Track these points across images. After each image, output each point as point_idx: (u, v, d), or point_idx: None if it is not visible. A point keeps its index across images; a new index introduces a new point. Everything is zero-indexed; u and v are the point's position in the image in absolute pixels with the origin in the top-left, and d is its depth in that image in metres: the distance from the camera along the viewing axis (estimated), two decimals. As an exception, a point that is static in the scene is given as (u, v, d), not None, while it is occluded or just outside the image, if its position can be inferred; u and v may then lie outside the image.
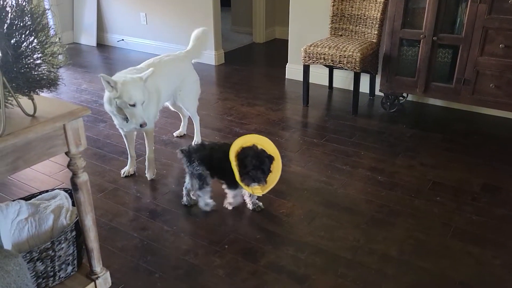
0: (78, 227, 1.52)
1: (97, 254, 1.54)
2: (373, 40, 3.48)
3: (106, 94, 2.27)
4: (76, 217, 1.50)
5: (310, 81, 3.70)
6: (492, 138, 3.07)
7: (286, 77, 4.36)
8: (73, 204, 1.54)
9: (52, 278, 1.49)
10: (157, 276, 1.89)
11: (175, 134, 3.18)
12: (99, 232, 2.12)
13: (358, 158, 2.84)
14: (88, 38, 5.68)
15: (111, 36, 5.63)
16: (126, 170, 2.67)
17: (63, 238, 1.47)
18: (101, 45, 5.67)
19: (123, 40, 5.52)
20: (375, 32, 3.47)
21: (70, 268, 1.54)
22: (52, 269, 1.47)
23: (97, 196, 2.44)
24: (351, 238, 2.10)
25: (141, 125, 2.25)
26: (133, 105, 2.21)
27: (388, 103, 3.49)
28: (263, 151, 2.14)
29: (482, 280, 1.83)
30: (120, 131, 2.57)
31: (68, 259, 1.52)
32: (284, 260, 1.97)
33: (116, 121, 2.45)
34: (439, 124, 3.31)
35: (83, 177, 1.40)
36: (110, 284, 1.64)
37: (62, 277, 1.52)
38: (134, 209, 2.35)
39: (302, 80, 3.64)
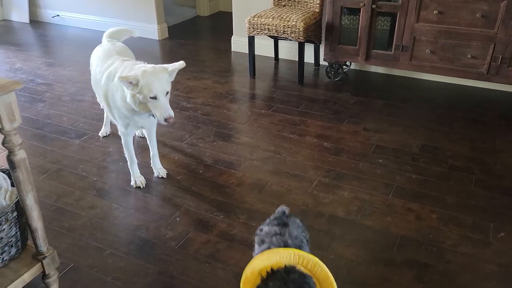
0: (20, 207, 1.46)
1: (42, 233, 1.49)
2: (316, 10, 3.52)
3: (127, 94, 1.95)
4: (16, 197, 1.44)
5: (256, 53, 3.70)
6: (429, 102, 3.23)
7: (232, 50, 4.33)
8: (12, 185, 1.48)
9: (-6, 261, 1.44)
10: (108, 253, 1.86)
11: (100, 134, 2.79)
12: (44, 214, 2.05)
13: (305, 126, 2.90)
14: (20, 15, 5.33)
15: (45, 12, 5.31)
16: (138, 182, 2.31)
17: (3, 220, 1.40)
18: (35, 22, 5.34)
19: (58, 15, 5.22)
20: (317, 1, 3.50)
21: (14, 250, 1.48)
22: (-6, 252, 1.41)
23: (40, 178, 2.35)
24: (300, 202, 2.17)
25: (166, 120, 1.91)
26: (154, 98, 1.89)
27: (333, 72, 3.57)
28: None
29: (421, 233, 1.95)
30: (124, 138, 2.23)
31: (11, 241, 1.46)
32: (236, 228, 2.00)
33: (123, 123, 2.14)
34: (381, 91, 3.43)
35: (20, 154, 1.34)
36: (58, 264, 1.60)
37: (6, 259, 1.47)
38: (80, 188, 2.28)
39: (248, 52, 3.63)
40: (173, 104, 3.20)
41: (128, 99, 1.95)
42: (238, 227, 2.01)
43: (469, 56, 2.98)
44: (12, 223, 1.46)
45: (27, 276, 1.48)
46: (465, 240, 1.90)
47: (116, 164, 2.49)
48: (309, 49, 3.80)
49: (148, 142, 2.37)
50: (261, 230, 1.52)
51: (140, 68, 1.95)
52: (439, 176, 2.36)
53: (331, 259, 1.81)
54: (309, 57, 3.85)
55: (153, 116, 1.99)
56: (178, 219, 2.07)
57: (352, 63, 3.79)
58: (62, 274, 1.72)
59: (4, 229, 1.42)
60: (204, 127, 2.91)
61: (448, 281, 1.70)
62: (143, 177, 2.34)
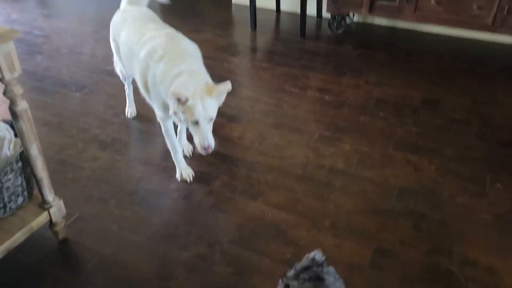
0: (24, 158, 1.48)
1: (47, 183, 1.52)
2: (319, -42, 3.40)
3: (171, 105, 1.68)
4: (21, 148, 1.46)
5: (257, 5, 3.62)
6: (431, 55, 3.19)
7: (232, 2, 4.22)
8: (16, 136, 1.49)
9: (2, 210, 1.47)
10: (112, 204, 1.90)
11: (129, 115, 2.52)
12: (47, 165, 2.06)
13: (307, 79, 2.88)
14: (12, -36, 5.14)
15: (39, -39, 5.12)
16: (185, 174, 2.04)
17: (9, 169, 1.43)
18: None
19: (52, -35, 5.04)
20: (321, -50, 3.37)
21: (20, 199, 1.52)
22: (1, 200, 1.45)
23: (42, 130, 2.36)
24: (301, 155, 2.19)
25: (204, 149, 1.69)
26: (196, 123, 1.67)
27: (335, 24, 3.49)
28: None
29: (420, 184, 1.99)
30: (163, 124, 1.97)
31: (18, 190, 1.49)
32: (237, 180, 2.03)
33: (161, 108, 1.86)
34: (383, 44, 3.37)
35: (22, 105, 1.34)
36: (65, 213, 1.64)
37: (13, 208, 1.51)
38: (82, 140, 2.30)
39: (249, 4, 3.54)
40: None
41: (171, 111, 1.70)
42: (240, 179, 2.04)
43: (475, 7, 2.91)
44: (17, 173, 1.48)
45: (35, 224, 1.52)
46: (462, 191, 1.94)
47: (117, 117, 2.50)
48: (311, 1, 3.70)
49: (179, 129, 2.18)
50: (287, 286, 1.23)
51: (194, 82, 1.66)
52: (439, 128, 2.37)
53: (331, 210, 1.86)
54: (311, 9, 3.76)
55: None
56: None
57: (355, 16, 3.70)
58: (68, 224, 1.77)
59: (10, 178, 1.45)
60: (204, 80, 2.88)
61: (444, 230, 1.75)
62: (190, 168, 2.05)
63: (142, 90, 1.95)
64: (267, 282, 1.54)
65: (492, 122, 2.42)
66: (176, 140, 2.02)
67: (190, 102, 1.61)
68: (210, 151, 1.69)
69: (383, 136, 2.32)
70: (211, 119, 1.70)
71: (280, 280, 1.22)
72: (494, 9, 2.87)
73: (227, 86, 1.69)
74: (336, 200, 1.91)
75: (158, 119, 1.97)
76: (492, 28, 2.95)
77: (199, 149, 1.69)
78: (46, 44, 3.36)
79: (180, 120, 1.70)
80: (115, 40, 2.19)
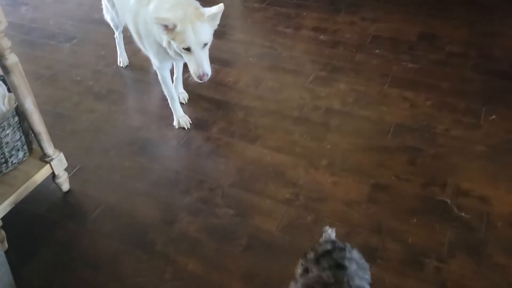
0: (20, 112, 1.48)
1: (46, 136, 1.53)
2: None
3: (163, 38, 1.64)
4: (15, 102, 1.46)
5: None
6: (429, -13, 3.08)
7: None
8: (9, 91, 1.48)
9: (4, 165, 1.50)
10: (112, 153, 1.93)
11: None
12: (44, 119, 2.07)
13: (301, 19, 2.81)
14: None
15: None
16: (182, 122, 2.03)
17: (6, 124, 1.44)
18: None
19: None
20: None
21: (21, 153, 1.54)
22: (2, 155, 1.47)
23: (35, 84, 2.34)
24: (297, 97, 2.18)
25: (199, 78, 1.64)
26: (188, 49, 1.60)
27: (328, -41, 3.35)
28: None
29: (415, 120, 2.00)
30: (160, 72, 1.93)
31: (17, 145, 1.51)
32: (234, 125, 2.05)
33: (157, 56, 1.84)
34: (379, -23, 3.25)
35: (12, 58, 1.32)
36: (66, 165, 1.67)
37: (15, 162, 1.53)
38: (77, 93, 2.29)
39: None
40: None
41: (164, 43, 1.65)
42: (237, 124, 2.05)
43: None
44: (15, 127, 1.49)
45: (38, 177, 1.55)
46: (457, 124, 1.96)
47: (110, 67, 2.47)
48: None
49: (176, 75, 2.15)
50: (306, 269, 1.12)
51: (181, 8, 1.59)
52: (436, 63, 2.35)
53: (327, 149, 1.88)
54: None
55: None
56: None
57: None
58: (72, 175, 1.80)
59: (8, 134, 1.46)
60: (196, 25, 2.82)
61: (439, 162, 1.79)
62: (187, 117, 2.03)
63: (136, 39, 1.91)
64: (268, 221, 1.60)
65: (491, 53, 2.39)
66: (172, 88, 2.01)
67: (179, 28, 1.55)
68: (206, 78, 1.64)
69: (379, 73, 2.30)
70: (204, 44, 1.62)
71: (300, 262, 1.15)
72: None
73: (219, 7, 1.62)
74: (333, 140, 1.93)
75: (155, 67, 1.94)
76: (491, -45, 2.84)
77: (195, 78, 1.65)
78: (30, -5, 3.25)
79: (175, 51, 1.64)
80: None
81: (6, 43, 1.29)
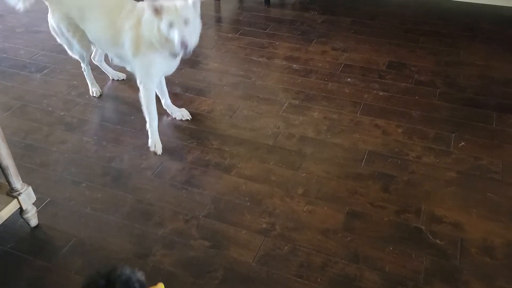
0: (-13, 146, 1.44)
1: (13, 170, 1.48)
2: None
3: (148, 22, 1.83)
4: (-18, 136, 1.41)
5: (218, -28, 3.53)
6: (395, 18, 3.21)
7: (193, -30, 4.09)
8: (-24, 124, 1.44)
9: (-31, 201, 1.44)
10: (84, 186, 1.88)
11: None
12: (13, 151, 2.01)
13: (274, 49, 2.86)
14: None
15: None
16: (157, 147, 2.07)
17: (-29, 159, 1.39)
18: None
19: None
20: None
21: (-13, 188, 1.49)
22: (-34, 191, 1.41)
23: (4, 115, 2.28)
24: (271, 125, 2.20)
25: (182, 46, 1.73)
26: (171, 26, 1.74)
27: (299, -10, 3.45)
28: None
29: (388, 147, 2.04)
30: (150, 91, 2.02)
31: (-17, 180, 1.46)
32: (209, 154, 2.04)
33: (153, 72, 1.99)
34: (348, 8, 3.37)
35: (-21, 92, 1.29)
36: (35, 199, 1.62)
37: (-20, 198, 1.47)
38: (48, 123, 2.24)
39: (210, -29, 3.45)
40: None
41: (154, 37, 1.82)
42: (212, 153, 2.04)
43: (436, -33, 2.92)
44: (-19, 162, 1.44)
45: (4, 213, 1.49)
46: (428, 151, 2.00)
47: (82, 97, 2.43)
48: (274, -34, 3.64)
49: (161, 89, 2.21)
50: None
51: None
52: (405, 91, 2.42)
53: (303, 177, 1.89)
54: (274, -25, 3.70)
55: (174, 56, 1.92)
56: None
57: (319, -21, 3.66)
58: (41, 209, 1.74)
59: (-26, 168, 1.40)
60: (170, 55, 2.83)
61: (412, 189, 1.81)
62: (160, 143, 2.06)
63: (130, 56, 1.98)
64: (244, 252, 1.58)
65: (456, 82, 2.48)
66: (155, 108, 2.05)
67: (164, 6, 1.74)
68: (188, 49, 1.76)
69: (351, 101, 2.35)
70: (186, 20, 1.75)
71: None
72: (455, -31, 2.89)
73: None
74: (308, 168, 1.94)
75: (144, 88, 2.01)
76: (453, -12, 2.98)
77: (178, 48, 1.75)
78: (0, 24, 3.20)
79: (162, 38, 1.80)
80: (70, 20, 2.11)
81: (-27, 76, 1.26)
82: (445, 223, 1.66)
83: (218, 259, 1.56)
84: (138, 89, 2.02)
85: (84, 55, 2.30)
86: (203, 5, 3.39)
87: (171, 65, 2.04)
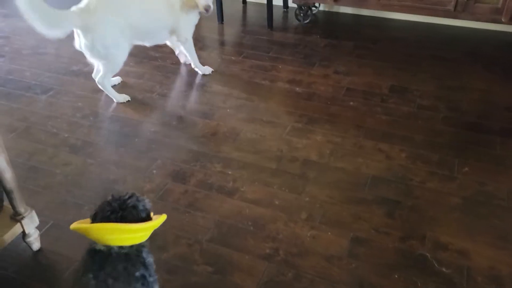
0: (-8, 169, 1.44)
1: (17, 194, 1.48)
2: (283, -52, 3.39)
3: None
4: (-13, 160, 1.42)
5: (223, -4, 3.58)
6: (398, 42, 3.25)
7: (198, -7, 4.16)
8: (-19, 147, 1.44)
9: (-28, 225, 1.43)
10: (87, 208, 1.87)
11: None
12: (18, 173, 2.02)
13: (276, 72, 2.88)
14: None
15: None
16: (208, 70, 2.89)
17: (-24, 183, 1.39)
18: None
19: (8, -40, 4.84)
20: None
21: (-10, 212, 1.48)
22: (-30, 215, 1.41)
23: (9, 137, 2.29)
24: (275, 149, 2.20)
25: (205, 9, 2.51)
26: None
27: (302, 14, 3.51)
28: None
29: (391, 171, 2.04)
30: (191, 41, 2.76)
31: (-13, 203, 1.45)
32: (212, 177, 2.04)
33: (191, 29, 2.72)
34: (350, 32, 3.41)
35: (-14, 116, 1.30)
36: (38, 223, 1.61)
37: (-16, 222, 1.47)
38: (52, 145, 2.25)
39: (214, -5, 3.50)
40: (141, 53, 3.10)
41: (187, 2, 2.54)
42: (215, 176, 2.04)
43: (437, -7, 2.97)
44: (-14, 185, 1.44)
45: (7, 237, 1.49)
46: (432, 176, 2.00)
47: (86, 119, 2.45)
48: (277, -9, 3.70)
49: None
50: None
51: None
52: (408, 115, 2.43)
53: (306, 202, 1.88)
54: (277, -1, 3.76)
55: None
56: (154, 171, 2.08)
57: (321, 4, 3.72)
58: (43, 232, 1.73)
59: (-22, 192, 1.40)
60: (174, 77, 2.86)
61: (416, 215, 1.81)
62: (207, 67, 2.88)
63: (180, 35, 2.69)
64: (248, 278, 1.56)
65: (459, 107, 2.49)
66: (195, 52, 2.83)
67: None
68: (210, 10, 2.54)
69: (354, 125, 2.36)
70: None
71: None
72: (455, -5, 2.94)
73: None
74: (311, 192, 1.94)
75: (188, 41, 2.74)
76: (454, 14, 3.02)
77: (203, 10, 2.53)
78: (6, 46, 3.24)
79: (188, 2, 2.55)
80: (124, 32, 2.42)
81: (-18, 101, 1.27)
82: (451, 250, 1.64)
83: (222, 285, 1.54)
84: (144, 113, 2.02)
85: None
86: (206, 28, 3.46)
87: (196, 21, 2.73)
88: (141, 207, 1.21)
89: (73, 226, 1.22)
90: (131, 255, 1.20)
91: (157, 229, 1.76)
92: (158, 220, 1.25)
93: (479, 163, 2.07)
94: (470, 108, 2.48)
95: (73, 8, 2.26)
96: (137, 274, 1.19)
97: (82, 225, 1.20)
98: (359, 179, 2.01)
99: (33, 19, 2.08)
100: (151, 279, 1.23)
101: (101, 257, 1.17)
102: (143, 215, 1.21)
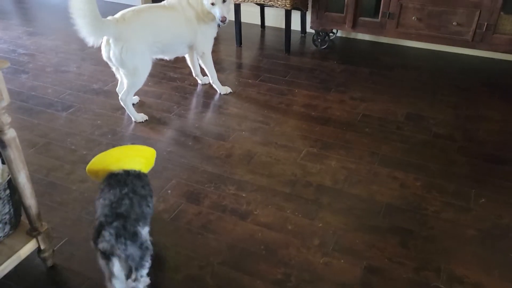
0: (12, 185, 1.47)
1: (35, 210, 1.50)
2: (303, -24, 3.46)
3: (203, 3, 2.60)
4: (8, 175, 1.45)
5: (242, 21, 3.66)
6: (415, 69, 3.26)
7: (217, 17, 4.25)
8: (3, 162, 1.48)
9: (-10, 239, 1.46)
10: (101, 226, 1.89)
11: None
12: (35, 188, 2.05)
13: (292, 96, 2.91)
14: (-5, -20, 5.11)
15: (22, -23, 5.10)
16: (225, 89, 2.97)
17: (-4, 198, 1.42)
18: (12, -12, 5.14)
19: (36, -19, 5.03)
20: (304, -33, 3.45)
21: (8, 227, 1.50)
22: (-11, 229, 1.43)
23: (28, 152, 2.34)
24: (289, 173, 2.21)
25: (221, 20, 2.56)
26: (213, 4, 2.54)
27: (319, 40, 3.55)
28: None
29: (406, 200, 2.02)
30: (210, 55, 2.85)
31: (5, 218, 1.48)
32: (226, 199, 2.04)
33: (211, 42, 2.80)
34: (367, 58, 3.44)
35: (10, 133, 1.34)
36: (53, 239, 1.63)
37: (1, 236, 1.49)
38: (70, 162, 2.29)
39: (234, 20, 3.57)
40: (160, 74, 3.17)
41: (200, 11, 2.61)
42: (229, 198, 2.05)
43: (454, 23, 2.99)
44: (5, 200, 1.47)
45: (23, 252, 1.51)
46: (448, 207, 1.98)
47: (105, 136, 2.49)
48: (295, 16, 3.76)
49: (193, 63, 3.02)
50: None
51: None
52: (423, 144, 2.42)
53: (319, 228, 1.87)
54: (295, 24, 3.82)
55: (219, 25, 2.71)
56: (169, 191, 2.10)
57: (338, 30, 3.77)
58: (57, 248, 1.75)
59: (-2, 207, 1.43)
60: (191, 98, 2.90)
61: (430, 246, 1.78)
62: (225, 87, 2.98)
63: (196, 34, 2.71)
64: (258, 304, 1.55)
65: (475, 137, 2.48)
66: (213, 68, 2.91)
67: None
68: (226, 20, 2.57)
69: (369, 152, 2.36)
70: (224, 1, 2.55)
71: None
72: (474, 26, 2.95)
73: None
74: (324, 218, 1.93)
75: (206, 54, 2.81)
76: (472, 44, 3.03)
77: (219, 20, 2.57)
78: (31, 63, 3.34)
79: (207, 10, 2.60)
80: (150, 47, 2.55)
81: (6, 119, 1.31)
82: (466, 284, 1.61)
83: (232, 309, 1.53)
84: (161, 132, 2.05)
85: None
86: (225, 52, 3.52)
87: (214, 33, 2.80)
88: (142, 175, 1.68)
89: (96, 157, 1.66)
90: (142, 176, 1.63)
91: (170, 250, 1.78)
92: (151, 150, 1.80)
93: (496, 195, 2.05)
94: (487, 138, 2.46)
95: (109, 18, 2.37)
96: (143, 192, 1.58)
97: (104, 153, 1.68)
98: (373, 206, 1.99)
99: (82, 22, 2.19)
100: (151, 201, 1.64)
101: (123, 176, 1.56)
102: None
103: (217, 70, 3.22)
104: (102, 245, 1.37)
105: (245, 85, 3.05)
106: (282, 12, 3.54)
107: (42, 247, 1.58)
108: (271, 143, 2.43)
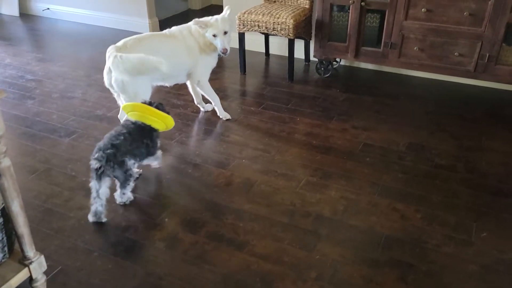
0: (5, 213, 1.47)
1: (28, 239, 1.50)
2: (306, 6, 3.51)
3: (205, 35, 2.69)
4: (2, 204, 1.45)
5: (246, 49, 3.70)
6: (417, 99, 3.25)
7: (223, 44, 4.31)
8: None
9: (-19, 267, 1.45)
10: (96, 255, 1.88)
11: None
12: (33, 215, 2.07)
13: (294, 124, 2.91)
14: (9, 7, 5.28)
15: (35, 5, 5.26)
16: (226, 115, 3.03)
17: (-11, 226, 1.42)
18: (25, 15, 5.29)
19: (48, 9, 5.18)
20: (308, -2, 3.50)
21: (0, 255, 1.50)
22: (-20, 258, 1.43)
23: (29, 178, 2.35)
24: (288, 202, 2.19)
25: (222, 51, 2.66)
26: (215, 36, 2.63)
27: (322, 68, 3.58)
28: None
29: (406, 232, 1.99)
30: (207, 83, 2.89)
31: (-2, 246, 1.47)
32: (223, 228, 2.02)
33: (208, 71, 2.86)
34: (369, 87, 3.45)
35: (5, 162, 1.35)
36: (46, 268, 1.62)
37: (-7, 265, 1.48)
38: (69, 188, 2.29)
39: (238, 48, 3.62)
40: (163, 101, 3.19)
41: (202, 42, 2.70)
42: (226, 228, 2.03)
43: (456, 54, 3.00)
44: (-1, 229, 1.47)
45: (14, 282, 1.49)
46: (448, 240, 1.94)
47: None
48: (299, 45, 3.81)
49: (195, 91, 3.05)
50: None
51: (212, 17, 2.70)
52: (425, 175, 2.39)
53: (316, 260, 1.84)
54: (299, 53, 3.86)
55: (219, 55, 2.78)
56: (166, 219, 2.08)
57: (341, 59, 3.80)
58: (50, 277, 1.74)
59: (-10, 235, 1.43)
60: (194, 125, 2.92)
61: (430, 281, 1.74)
62: (227, 114, 2.98)
63: (195, 74, 2.81)
64: None
65: (478, 168, 2.44)
66: (214, 93, 2.94)
67: (210, 22, 2.66)
68: (227, 52, 2.68)
69: (369, 182, 2.33)
70: (225, 32, 2.66)
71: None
72: (476, 56, 2.96)
73: (226, 9, 2.76)
74: (322, 250, 1.90)
75: (203, 82, 2.85)
76: (474, 75, 3.03)
77: (220, 51, 2.68)
78: (38, 89, 3.40)
79: (207, 42, 2.70)
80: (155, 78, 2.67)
81: (1, 148, 1.32)
82: (466, 322, 1.56)
83: None
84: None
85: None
86: (229, 79, 3.55)
87: (214, 64, 2.88)
88: (162, 108, 2.23)
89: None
90: (146, 129, 2.17)
91: (163, 280, 1.75)
92: (169, 117, 2.23)
93: (498, 228, 2.00)
94: (489, 170, 2.43)
95: (111, 46, 2.45)
96: (139, 138, 2.12)
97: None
98: (372, 238, 1.96)
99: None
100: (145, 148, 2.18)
101: (129, 123, 2.14)
102: (163, 110, 2.24)
103: (221, 98, 3.25)
104: (95, 162, 1.92)
105: (248, 112, 3.06)
106: (286, 41, 3.58)
107: (34, 276, 1.56)
108: (271, 172, 2.42)
